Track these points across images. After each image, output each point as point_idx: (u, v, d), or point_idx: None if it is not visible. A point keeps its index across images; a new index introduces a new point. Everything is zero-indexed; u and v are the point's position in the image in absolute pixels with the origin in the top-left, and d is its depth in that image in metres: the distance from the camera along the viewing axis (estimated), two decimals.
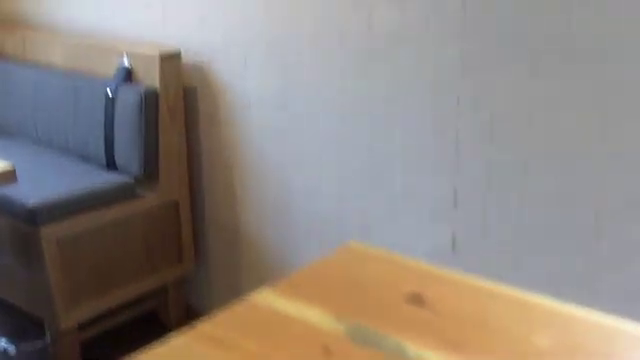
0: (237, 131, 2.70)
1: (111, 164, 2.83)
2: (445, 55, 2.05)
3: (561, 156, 1.89)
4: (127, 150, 2.75)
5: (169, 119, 2.73)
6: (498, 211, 2.04)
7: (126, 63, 2.79)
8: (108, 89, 2.78)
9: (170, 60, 2.71)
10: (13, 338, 2.88)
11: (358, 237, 2.41)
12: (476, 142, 2.04)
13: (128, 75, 2.78)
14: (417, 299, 0.93)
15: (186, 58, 2.76)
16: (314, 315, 0.91)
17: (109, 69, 2.85)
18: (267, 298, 0.96)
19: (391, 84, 2.20)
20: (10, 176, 2.30)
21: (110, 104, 2.78)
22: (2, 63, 3.32)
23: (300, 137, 2.51)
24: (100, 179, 2.74)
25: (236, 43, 2.62)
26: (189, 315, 2.99)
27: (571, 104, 1.85)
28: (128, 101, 2.72)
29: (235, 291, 2.89)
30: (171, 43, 2.83)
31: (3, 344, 2.85)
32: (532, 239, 2.00)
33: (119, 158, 2.79)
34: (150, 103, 2.69)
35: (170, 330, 2.92)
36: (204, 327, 0.89)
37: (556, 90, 1.86)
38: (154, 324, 2.97)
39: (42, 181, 2.71)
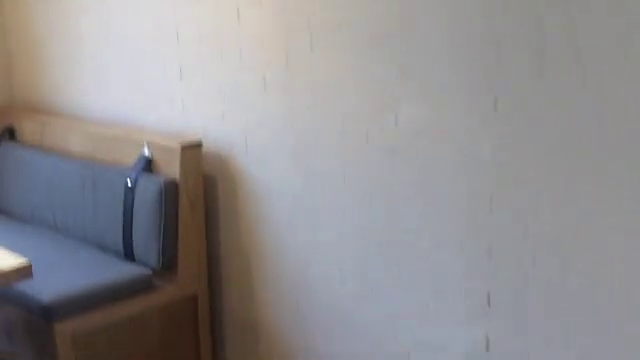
0: (257, 222, 2.65)
1: (129, 255, 2.77)
2: (476, 152, 2.00)
3: (602, 259, 1.81)
4: (145, 241, 2.69)
5: (189, 210, 2.68)
6: (535, 313, 1.95)
7: (146, 153, 2.75)
8: (127, 179, 2.74)
9: (191, 151, 2.67)
10: None
11: (385, 335, 2.32)
12: (511, 242, 1.96)
13: (148, 165, 2.75)
14: None
15: (206, 146, 2.73)
16: None
17: (129, 158, 2.82)
18: None
19: (419, 181, 2.14)
20: (26, 272, 2.25)
21: (129, 194, 2.74)
22: (20, 149, 3.31)
23: (322, 231, 2.44)
24: (117, 271, 2.67)
25: (257, 135, 2.58)
26: None
27: (614, 205, 1.77)
28: (148, 191, 2.67)
29: None
30: (191, 131, 2.80)
31: None
32: (570, 342, 1.90)
33: (137, 249, 2.73)
34: (170, 194, 2.64)
35: None
36: None
37: (598, 189, 1.79)
38: None
39: (57, 273, 2.64)
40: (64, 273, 2.66)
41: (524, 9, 1.84)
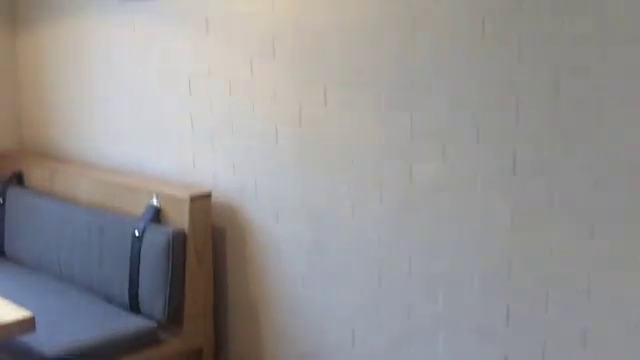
0: (266, 275, 2.60)
1: (134, 306, 2.71)
2: (492, 211, 1.95)
3: (623, 327, 1.75)
4: (152, 293, 2.64)
5: (196, 262, 2.64)
6: None
7: (155, 202, 2.72)
8: (135, 229, 2.70)
9: (200, 201, 2.64)
10: None
11: None
12: (529, 308, 1.91)
13: (156, 215, 2.71)
14: None
15: (215, 196, 2.69)
16: None
17: (137, 207, 2.78)
18: None
19: (434, 239, 2.09)
20: (29, 325, 2.20)
21: (137, 244, 2.69)
22: (29, 195, 3.27)
23: (333, 288, 2.39)
24: (122, 324, 2.62)
25: (267, 187, 2.55)
26: None
27: (634, 267, 1.72)
28: (155, 242, 2.63)
29: None
30: (201, 180, 2.77)
31: None
32: None
33: (143, 301, 2.68)
34: (177, 245, 2.60)
35: None
36: None
37: (617, 252, 1.74)
38: None
39: (61, 325, 2.58)
40: (68, 325, 2.60)
41: (543, 66, 1.82)
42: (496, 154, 1.93)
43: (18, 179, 3.40)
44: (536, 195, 1.86)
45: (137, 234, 2.69)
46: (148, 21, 2.88)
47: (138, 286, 2.69)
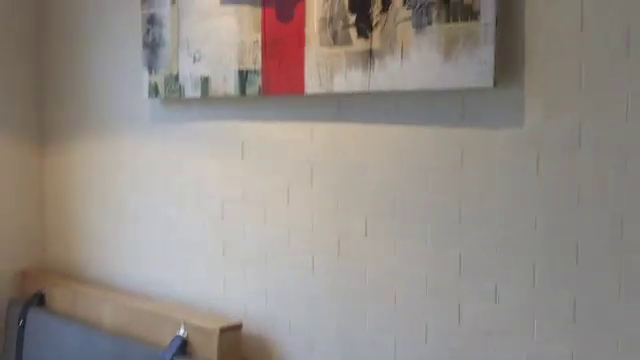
0: None
1: None
2: (553, 356, 1.81)
3: None
4: None
5: None
6: None
7: (182, 332, 2.59)
8: None
9: (230, 334, 2.50)
10: None
11: None
12: None
13: (183, 346, 2.57)
14: None
15: (246, 326, 2.56)
16: None
17: (163, 336, 2.65)
18: None
19: None
20: None
21: None
22: (50, 317, 3.15)
23: None
24: None
25: (301, 319, 2.42)
26: None
27: None
28: None
29: None
30: (231, 308, 2.64)
31: None
32: None
33: None
34: None
35: None
36: None
37: None
38: None
39: None
40: None
41: (604, 210, 1.71)
42: (554, 299, 1.80)
43: (40, 300, 3.28)
44: (600, 345, 1.72)
45: None
46: (180, 144, 2.82)
47: None
